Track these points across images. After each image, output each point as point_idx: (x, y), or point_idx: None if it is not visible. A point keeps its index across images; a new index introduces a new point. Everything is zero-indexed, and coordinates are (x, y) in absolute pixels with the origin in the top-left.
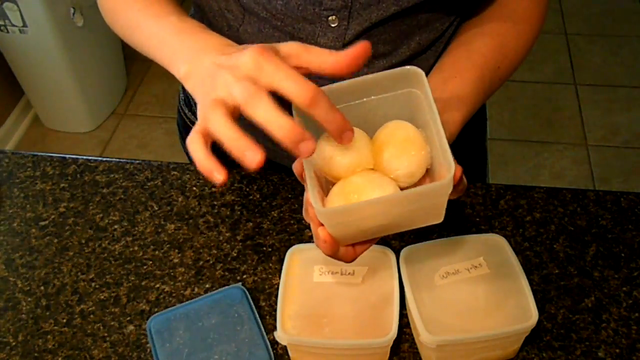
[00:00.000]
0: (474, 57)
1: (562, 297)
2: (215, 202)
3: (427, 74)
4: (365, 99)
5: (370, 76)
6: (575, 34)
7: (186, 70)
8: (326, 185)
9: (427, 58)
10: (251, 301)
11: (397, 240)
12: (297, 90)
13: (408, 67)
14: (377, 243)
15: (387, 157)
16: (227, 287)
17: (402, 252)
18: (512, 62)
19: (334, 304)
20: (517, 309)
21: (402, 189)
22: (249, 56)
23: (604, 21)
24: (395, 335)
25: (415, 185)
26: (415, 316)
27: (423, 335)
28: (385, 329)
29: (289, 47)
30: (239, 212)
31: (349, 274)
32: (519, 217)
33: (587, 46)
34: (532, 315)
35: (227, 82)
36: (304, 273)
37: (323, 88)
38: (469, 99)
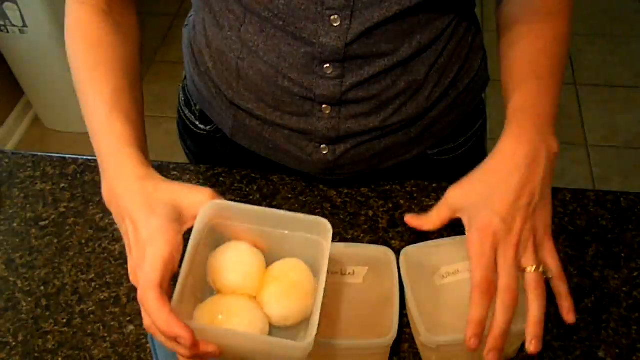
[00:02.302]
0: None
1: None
2: None
3: (428, 72)
4: (277, 230)
5: (290, 213)
6: (575, 34)
7: (105, 196)
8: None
9: (427, 57)
10: None
11: (397, 240)
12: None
13: (321, 219)
14: (377, 243)
15: (270, 292)
16: None
17: (402, 252)
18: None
19: (334, 304)
20: (518, 308)
21: (273, 327)
22: (132, 255)
23: (604, 21)
24: (395, 336)
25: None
26: (416, 316)
27: (424, 336)
28: (386, 329)
29: (194, 211)
30: None
31: (349, 274)
32: None
33: (587, 46)
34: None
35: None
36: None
37: None
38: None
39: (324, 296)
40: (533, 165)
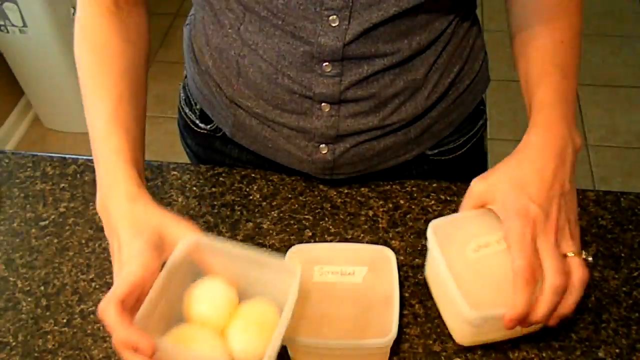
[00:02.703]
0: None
1: None
2: (215, 202)
3: (428, 72)
4: (250, 271)
5: (264, 255)
6: None
7: (98, 208)
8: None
9: (427, 57)
10: None
11: (397, 240)
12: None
13: (292, 264)
14: (377, 243)
15: (234, 326)
16: None
17: (431, 225)
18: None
19: (333, 304)
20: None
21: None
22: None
23: (604, 21)
24: (395, 336)
25: None
26: (454, 291)
27: (466, 312)
28: (385, 329)
29: (175, 240)
30: (239, 212)
31: (349, 274)
32: None
33: (587, 46)
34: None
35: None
36: (303, 273)
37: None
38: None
39: (321, 299)
40: (562, 158)
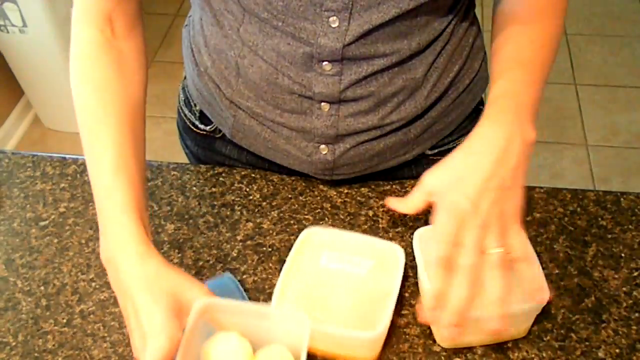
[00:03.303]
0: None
1: (562, 297)
2: (215, 202)
3: (427, 72)
4: (260, 322)
5: (272, 310)
6: (575, 34)
7: (104, 261)
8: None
9: (425, 56)
10: (242, 291)
11: (397, 240)
12: None
13: (299, 315)
14: (387, 238)
15: None
16: (217, 277)
17: (416, 233)
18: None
19: (333, 291)
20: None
21: None
22: (134, 339)
23: (604, 21)
24: (383, 332)
25: None
26: (429, 292)
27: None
28: (378, 324)
29: (191, 302)
30: (239, 212)
31: (355, 265)
32: None
33: (587, 46)
34: (544, 295)
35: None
36: (312, 256)
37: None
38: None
39: (323, 284)
40: (507, 150)
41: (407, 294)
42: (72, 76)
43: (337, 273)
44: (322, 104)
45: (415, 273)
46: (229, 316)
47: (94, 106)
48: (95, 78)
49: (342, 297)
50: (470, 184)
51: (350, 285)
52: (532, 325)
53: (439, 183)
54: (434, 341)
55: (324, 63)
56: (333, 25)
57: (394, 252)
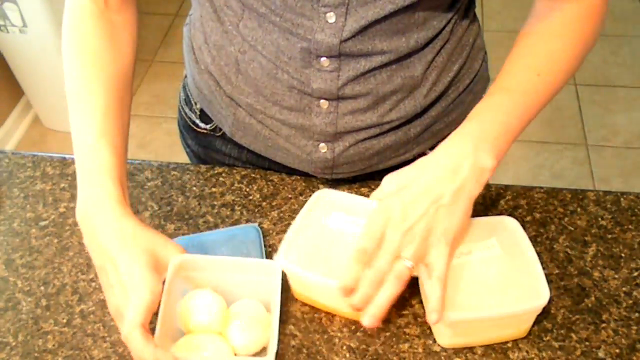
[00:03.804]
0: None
1: (562, 297)
2: (215, 202)
3: (426, 70)
4: (233, 276)
5: (243, 260)
6: None
7: (79, 219)
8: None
9: (424, 54)
10: (262, 242)
11: None
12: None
13: (270, 262)
14: None
15: (232, 327)
16: (244, 225)
17: None
18: (562, 71)
19: (340, 251)
20: (529, 289)
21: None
22: (109, 295)
23: (604, 21)
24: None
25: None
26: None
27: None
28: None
29: (167, 260)
30: (239, 212)
31: (362, 227)
32: (519, 217)
33: None
34: (543, 295)
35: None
36: (322, 215)
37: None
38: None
39: (330, 242)
40: (453, 171)
41: (406, 294)
42: (63, 44)
43: (343, 233)
44: (321, 101)
45: None
46: (203, 273)
47: (83, 74)
48: (86, 47)
49: (346, 257)
50: (408, 193)
51: (354, 246)
52: (532, 325)
53: (388, 187)
54: (434, 341)
55: (322, 59)
56: (330, 21)
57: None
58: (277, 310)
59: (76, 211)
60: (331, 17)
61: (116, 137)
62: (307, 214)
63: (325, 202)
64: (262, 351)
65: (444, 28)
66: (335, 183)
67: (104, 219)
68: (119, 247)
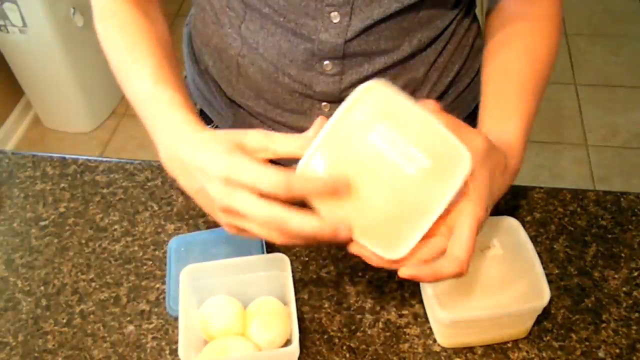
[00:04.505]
0: (512, 78)
1: (562, 297)
2: None
3: (428, 71)
4: (243, 276)
5: (251, 257)
6: (575, 34)
7: (165, 161)
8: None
9: (427, 55)
10: (264, 243)
11: None
12: (271, 189)
13: (279, 255)
14: None
15: (253, 327)
16: None
17: None
18: (547, 62)
19: (368, 180)
20: (530, 289)
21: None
22: (217, 191)
23: (604, 21)
24: (403, 257)
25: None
26: (430, 293)
27: (437, 312)
28: (402, 245)
29: (255, 142)
30: None
31: (407, 158)
32: (519, 217)
33: (587, 46)
34: (544, 295)
35: (210, 209)
36: (364, 124)
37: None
38: (523, 114)
39: (362, 171)
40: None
41: (406, 294)
42: (97, 28)
43: (382, 159)
44: (323, 103)
45: None
46: (214, 279)
47: (126, 37)
48: (121, 21)
49: (375, 192)
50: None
51: (390, 181)
52: (532, 325)
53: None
54: (434, 341)
55: (325, 62)
56: (334, 21)
57: (459, 158)
58: (293, 301)
59: (160, 157)
60: (336, 17)
61: (173, 82)
62: (348, 112)
63: (375, 102)
64: (287, 342)
65: (446, 28)
66: None
67: (183, 140)
68: (201, 151)
